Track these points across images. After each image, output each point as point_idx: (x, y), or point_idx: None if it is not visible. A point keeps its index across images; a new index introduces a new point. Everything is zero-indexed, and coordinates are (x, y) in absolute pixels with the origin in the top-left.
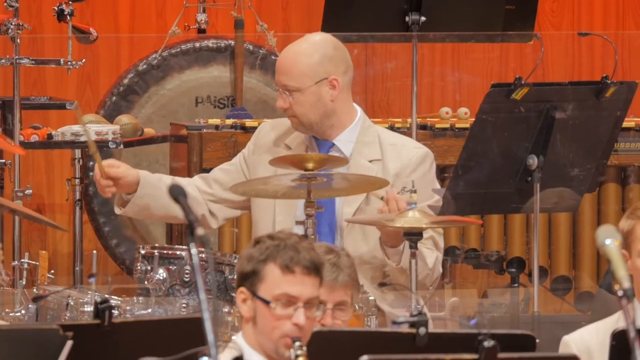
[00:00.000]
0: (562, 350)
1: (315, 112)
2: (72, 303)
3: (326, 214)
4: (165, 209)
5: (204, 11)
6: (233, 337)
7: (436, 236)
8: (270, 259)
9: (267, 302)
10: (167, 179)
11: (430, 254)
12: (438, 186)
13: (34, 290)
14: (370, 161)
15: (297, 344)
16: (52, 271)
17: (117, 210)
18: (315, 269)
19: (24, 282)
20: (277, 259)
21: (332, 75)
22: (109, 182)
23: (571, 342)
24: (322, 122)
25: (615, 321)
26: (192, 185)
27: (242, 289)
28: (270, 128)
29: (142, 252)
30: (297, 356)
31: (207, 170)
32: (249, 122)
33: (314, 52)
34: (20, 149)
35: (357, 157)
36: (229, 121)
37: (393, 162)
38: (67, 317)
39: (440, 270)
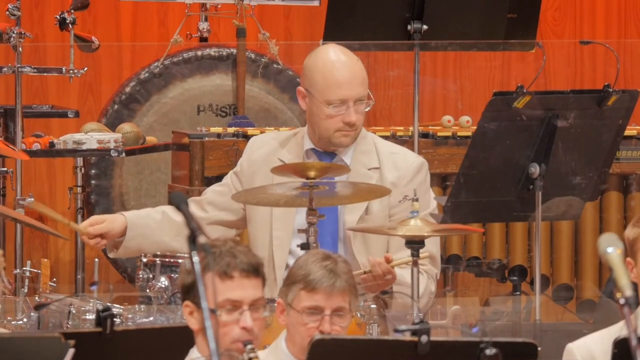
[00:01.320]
0: (566, 357)
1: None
2: (74, 311)
3: (329, 223)
4: (157, 245)
5: (206, 19)
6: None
7: (435, 253)
8: (208, 268)
9: (212, 311)
10: (156, 213)
11: (421, 284)
12: (433, 195)
13: (36, 298)
14: (369, 169)
15: (249, 347)
16: (54, 279)
17: (111, 254)
18: (254, 271)
19: (25, 290)
20: (215, 267)
21: None
22: (97, 240)
23: (575, 349)
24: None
25: (619, 329)
26: None
27: (186, 302)
28: (261, 143)
29: (144, 260)
30: (250, 359)
31: (209, 179)
32: (251, 131)
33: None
34: (23, 154)
35: (356, 166)
36: (231, 129)
37: (390, 172)
38: (69, 325)
39: (433, 290)
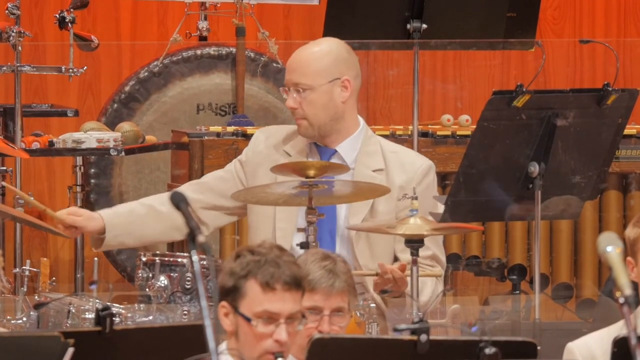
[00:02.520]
0: (566, 357)
1: (326, 113)
2: (73, 310)
3: (327, 221)
4: (141, 240)
5: (205, 18)
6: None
7: (439, 254)
8: (251, 275)
9: (248, 320)
10: (142, 208)
11: (429, 285)
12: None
13: (35, 297)
14: (373, 171)
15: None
16: (54, 278)
17: (95, 249)
18: (296, 284)
19: (25, 290)
20: (258, 275)
21: (345, 76)
22: (71, 230)
23: (575, 349)
24: (331, 125)
25: (619, 328)
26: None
27: (223, 303)
28: (268, 135)
29: (144, 259)
30: None
31: None
32: (250, 130)
33: (328, 52)
34: (23, 152)
35: (360, 167)
36: (231, 128)
37: (398, 175)
38: (68, 324)
39: (441, 289)
